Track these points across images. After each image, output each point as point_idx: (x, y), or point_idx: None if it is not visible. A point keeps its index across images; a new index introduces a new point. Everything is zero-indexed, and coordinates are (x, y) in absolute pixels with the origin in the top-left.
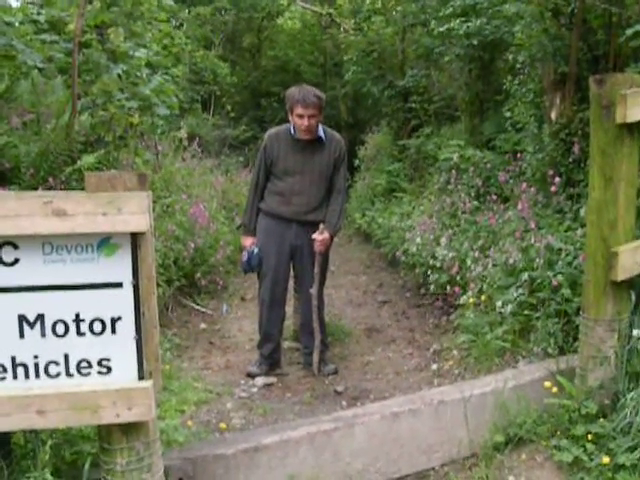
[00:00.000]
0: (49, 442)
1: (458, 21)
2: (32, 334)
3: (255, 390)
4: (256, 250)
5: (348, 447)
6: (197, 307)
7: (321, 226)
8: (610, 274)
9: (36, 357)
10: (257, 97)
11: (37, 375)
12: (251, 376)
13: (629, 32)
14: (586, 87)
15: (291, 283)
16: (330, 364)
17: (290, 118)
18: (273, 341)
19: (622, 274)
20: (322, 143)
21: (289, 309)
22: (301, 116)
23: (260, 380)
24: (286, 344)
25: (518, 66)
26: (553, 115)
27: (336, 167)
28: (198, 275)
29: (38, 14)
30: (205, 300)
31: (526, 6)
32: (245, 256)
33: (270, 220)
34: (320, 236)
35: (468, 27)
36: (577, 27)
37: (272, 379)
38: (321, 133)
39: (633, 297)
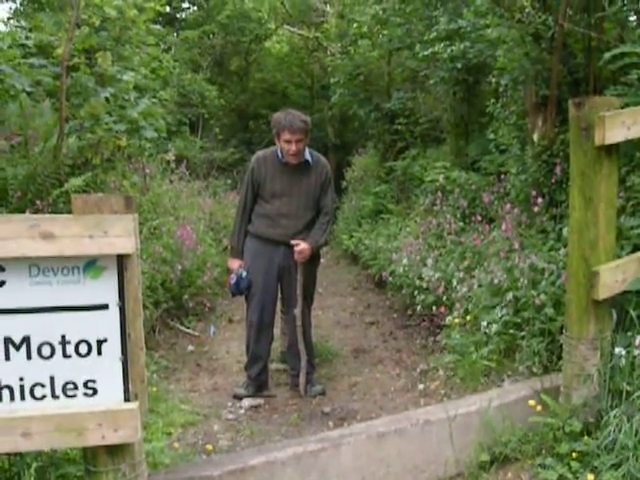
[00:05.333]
0: (34, 465)
1: (442, 45)
2: (18, 356)
3: (242, 412)
4: (245, 273)
5: (335, 467)
6: (184, 329)
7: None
8: (592, 293)
9: (22, 379)
10: (245, 119)
11: (22, 397)
12: (238, 398)
13: (607, 56)
14: (567, 109)
15: (278, 305)
16: (317, 385)
17: (277, 142)
18: (261, 363)
19: (603, 293)
20: (309, 166)
21: (276, 330)
22: (289, 141)
23: (247, 402)
24: (273, 365)
25: (501, 89)
26: (535, 137)
27: (323, 189)
28: (185, 297)
29: (27, 38)
30: (192, 322)
31: (508, 30)
32: (233, 279)
33: (258, 242)
34: (298, 246)
35: (452, 51)
36: (557, 51)
37: (259, 401)
38: (308, 156)
39: (614, 315)
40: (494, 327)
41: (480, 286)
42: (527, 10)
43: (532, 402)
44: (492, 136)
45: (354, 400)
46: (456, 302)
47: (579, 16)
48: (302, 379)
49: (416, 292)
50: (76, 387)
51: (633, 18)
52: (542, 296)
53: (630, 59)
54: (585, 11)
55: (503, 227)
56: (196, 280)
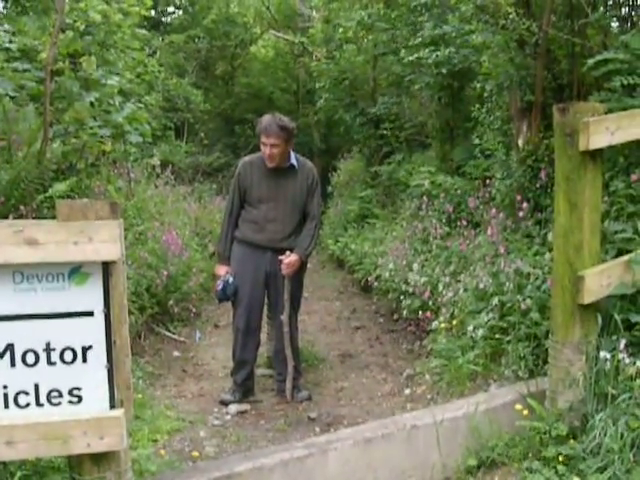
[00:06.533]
0: (18, 474)
1: (427, 50)
2: (1, 364)
3: (228, 418)
4: (231, 279)
5: (321, 473)
6: (170, 335)
7: (287, 252)
8: (577, 297)
9: (5, 387)
10: (230, 124)
11: (6, 405)
12: (224, 404)
13: (591, 62)
14: (551, 115)
15: (265, 310)
16: (304, 390)
17: None
18: (247, 368)
19: (588, 297)
20: (295, 171)
21: (263, 336)
22: (264, 144)
23: (233, 408)
24: (259, 371)
25: (486, 94)
26: (520, 142)
27: (309, 194)
28: (171, 302)
29: (10, 42)
30: (178, 328)
31: (492, 36)
32: (220, 285)
33: (245, 248)
34: (287, 259)
35: (437, 56)
36: (541, 57)
37: (245, 406)
38: (293, 161)
39: (599, 319)
40: (480, 331)
41: (466, 291)
42: (511, 16)
43: (518, 406)
44: (477, 141)
45: (341, 405)
46: (442, 307)
47: (563, 22)
48: (289, 384)
49: (402, 297)
50: (61, 395)
51: (616, 24)
52: (528, 300)
53: (613, 65)
54: (569, 17)
55: (488, 232)
56: (182, 285)
